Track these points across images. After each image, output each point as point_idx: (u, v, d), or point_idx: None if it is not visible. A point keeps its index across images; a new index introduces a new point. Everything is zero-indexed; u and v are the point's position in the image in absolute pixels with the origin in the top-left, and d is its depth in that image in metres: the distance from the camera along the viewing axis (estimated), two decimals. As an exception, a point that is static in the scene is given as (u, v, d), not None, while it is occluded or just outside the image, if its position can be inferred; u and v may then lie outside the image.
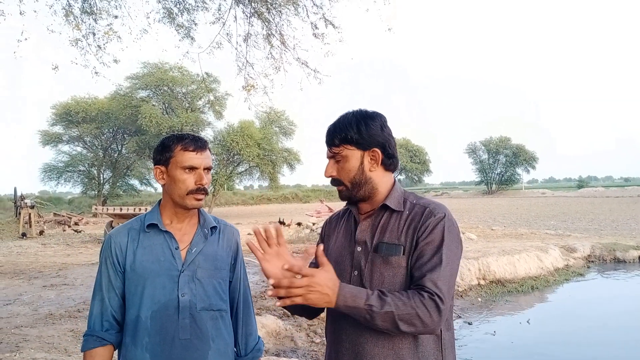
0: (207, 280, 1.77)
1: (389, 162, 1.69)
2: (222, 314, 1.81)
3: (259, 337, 1.99)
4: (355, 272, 1.63)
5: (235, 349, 1.92)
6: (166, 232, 1.77)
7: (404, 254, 1.57)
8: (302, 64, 6.41)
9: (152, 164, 1.85)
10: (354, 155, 1.65)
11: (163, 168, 1.78)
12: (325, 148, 1.73)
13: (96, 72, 6.48)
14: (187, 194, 1.76)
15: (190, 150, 1.77)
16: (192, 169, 1.76)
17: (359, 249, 1.66)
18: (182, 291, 1.71)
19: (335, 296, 1.42)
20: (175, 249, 1.75)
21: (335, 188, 1.73)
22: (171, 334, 1.68)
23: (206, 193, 1.82)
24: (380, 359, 1.54)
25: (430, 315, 1.44)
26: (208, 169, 1.82)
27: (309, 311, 1.68)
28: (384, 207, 1.67)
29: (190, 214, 1.84)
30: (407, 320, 1.43)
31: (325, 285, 1.40)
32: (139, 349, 1.67)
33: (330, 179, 1.71)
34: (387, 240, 1.60)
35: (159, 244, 1.75)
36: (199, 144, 1.80)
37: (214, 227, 1.87)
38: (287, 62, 6.43)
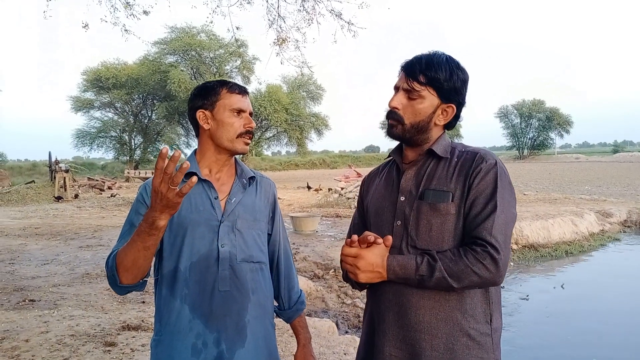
0: (247, 231, 1.71)
1: (454, 123, 1.60)
2: (262, 266, 1.75)
3: (300, 290, 1.94)
4: (399, 222, 1.54)
5: (277, 303, 1.88)
6: (205, 181, 1.70)
7: (452, 201, 1.47)
8: (336, 15, 6.18)
9: (188, 114, 1.78)
10: (431, 101, 1.53)
11: (208, 112, 1.72)
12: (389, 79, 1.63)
13: (126, 30, 6.40)
14: (237, 137, 1.71)
15: (237, 93, 1.73)
16: (240, 112, 1.72)
17: (402, 198, 1.56)
18: (222, 242, 1.65)
19: (385, 271, 1.45)
20: (215, 198, 1.69)
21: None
22: (210, 286, 1.63)
23: (253, 137, 1.78)
24: (426, 311, 1.47)
25: (487, 269, 1.37)
26: (252, 114, 1.77)
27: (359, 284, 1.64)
28: (430, 154, 1.57)
29: (229, 163, 1.78)
30: (463, 278, 1.39)
31: (373, 264, 1.44)
32: (178, 301, 1.62)
33: (390, 109, 1.57)
34: (435, 187, 1.51)
35: (197, 194, 1.68)
36: (243, 88, 1.77)
37: (252, 178, 1.80)
38: (320, 14, 6.21)
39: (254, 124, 1.75)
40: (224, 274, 1.64)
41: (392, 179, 1.64)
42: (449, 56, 1.55)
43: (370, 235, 1.45)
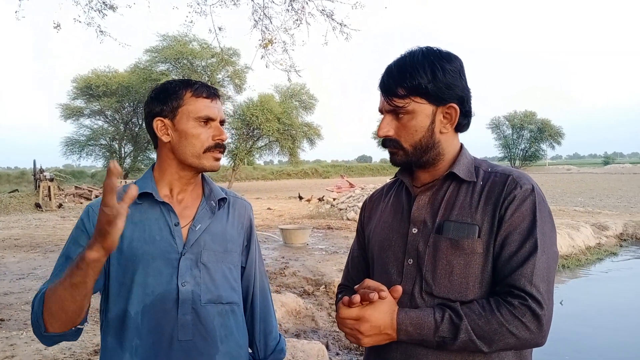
0: (214, 265, 1.41)
1: (465, 122, 1.29)
2: (234, 307, 1.45)
3: (280, 335, 1.63)
4: (410, 261, 1.24)
5: (250, 351, 1.57)
6: (163, 203, 1.40)
7: (479, 237, 1.17)
8: (327, 16, 5.83)
9: (145, 120, 1.47)
10: (423, 111, 1.23)
11: (168, 121, 1.41)
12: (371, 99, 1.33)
13: (101, 31, 6.06)
14: (204, 152, 1.40)
15: (204, 97, 1.41)
16: (208, 120, 1.41)
17: (414, 230, 1.26)
18: (182, 279, 1.35)
19: (395, 332, 1.14)
20: (175, 225, 1.39)
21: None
22: (168, 334, 1.32)
23: (224, 150, 1.47)
24: None
25: (527, 328, 1.08)
26: (223, 122, 1.46)
27: None
28: (450, 177, 1.27)
29: (195, 181, 1.47)
30: (496, 340, 1.09)
31: (380, 326, 1.15)
32: (127, 354, 1.31)
33: (383, 138, 1.29)
34: (456, 218, 1.20)
35: (154, 219, 1.38)
36: (212, 91, 1.45)
37: (223, 199, 1.50)
38: (309, 14, 5.85)
39: (225, 136, 1.43)
40: (186, 319, 1.33)
41: (401, 205, 1.34)
42: (426, 49, 1.24)
43: (374, 293, 1.13)
